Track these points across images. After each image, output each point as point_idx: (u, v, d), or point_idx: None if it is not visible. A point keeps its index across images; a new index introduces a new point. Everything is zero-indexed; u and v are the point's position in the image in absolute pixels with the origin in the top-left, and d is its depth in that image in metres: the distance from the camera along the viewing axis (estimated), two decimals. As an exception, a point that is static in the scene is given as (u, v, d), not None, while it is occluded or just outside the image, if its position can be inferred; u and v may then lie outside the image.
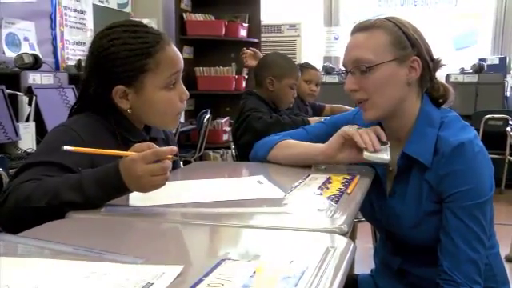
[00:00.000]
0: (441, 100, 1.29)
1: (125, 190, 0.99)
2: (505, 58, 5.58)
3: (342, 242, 0.79)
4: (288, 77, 2.47)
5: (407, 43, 1.22)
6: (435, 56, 1.28)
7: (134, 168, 0.96)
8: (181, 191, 1.12)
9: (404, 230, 1.28)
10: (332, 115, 3.01)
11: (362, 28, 1.25)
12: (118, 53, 1.17)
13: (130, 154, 0.98)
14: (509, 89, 5.44)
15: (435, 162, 1.21)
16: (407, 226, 1.26)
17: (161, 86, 1.19)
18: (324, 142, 1.35)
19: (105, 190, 0.98)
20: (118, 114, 1.23)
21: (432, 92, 1.29)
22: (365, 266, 1.79)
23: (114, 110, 1.22)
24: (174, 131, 4.00)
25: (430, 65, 1.26)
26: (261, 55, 3.09)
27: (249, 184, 1.21)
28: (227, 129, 4.91)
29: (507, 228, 3.28)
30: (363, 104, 1.25)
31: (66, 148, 0.97)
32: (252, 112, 2.35)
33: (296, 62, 2.99)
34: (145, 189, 0.99)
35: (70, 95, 3.07)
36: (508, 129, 3.08)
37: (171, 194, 1.06)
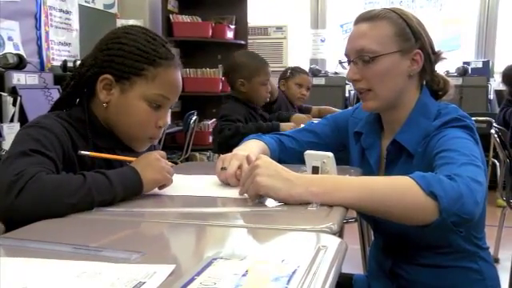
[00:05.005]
0: (440, 93, 1.31)
1: (140, 189, 1.06)
2: (488, 61, 5.67)
3: (333, 241, 0.79)
4: (257, 75, 2.49)
5: (411, 35, 1.24)
6: (436, 49, 1.29)
7: (152, 154, 1.12)
8: (184, 185, 1.21)
9: (391, 222, 1.27)
10: (318, 117, 3.05)
11: (366, 18, 1.25)
12: (126, 45, 1.16)
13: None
14: (492, 92, 5.52)
15: (422, 145, 1.20)
16: None
17: (145, 97, 1.16)
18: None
19: (128, 193, 1.04)
20: (93, 116, 1.18)
21: (432, 85, 1.31)
22: (350, 266, 1.80)
23: (90, 107, 1.19)
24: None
25: (431, 58, 1.27)
26: None
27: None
28: (213, 130, 4.91)
29: (491, 229, 3.31)
30: (364, 94, 1.27)
31: (81, 152, 1.09)
32: (221, 121, 2.40)
33: (286, 66, 2.99)
34: (155, 171, 1.08)
35: (55, 96, 3.03)
36: (492, 131, 3.11)
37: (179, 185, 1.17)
